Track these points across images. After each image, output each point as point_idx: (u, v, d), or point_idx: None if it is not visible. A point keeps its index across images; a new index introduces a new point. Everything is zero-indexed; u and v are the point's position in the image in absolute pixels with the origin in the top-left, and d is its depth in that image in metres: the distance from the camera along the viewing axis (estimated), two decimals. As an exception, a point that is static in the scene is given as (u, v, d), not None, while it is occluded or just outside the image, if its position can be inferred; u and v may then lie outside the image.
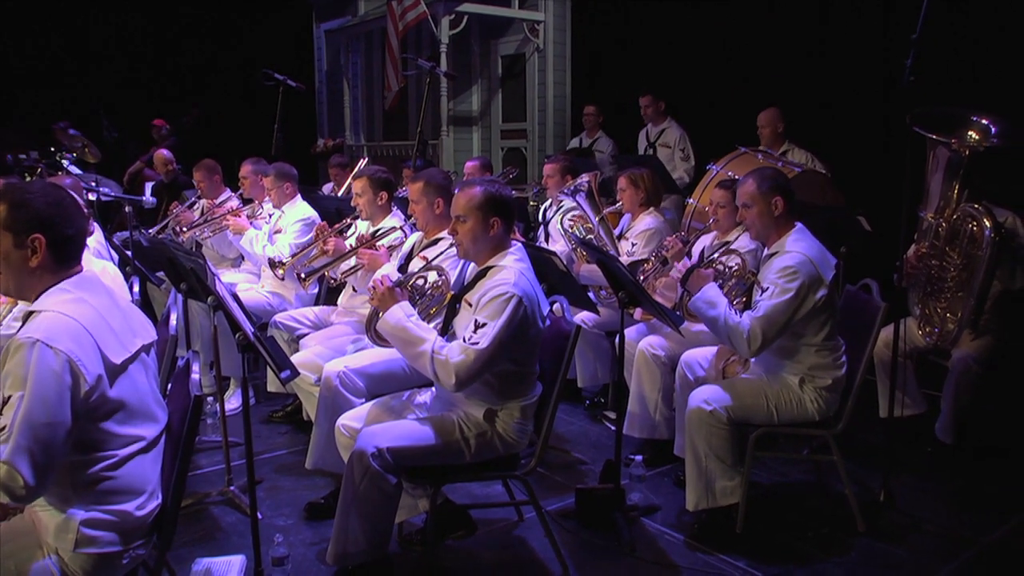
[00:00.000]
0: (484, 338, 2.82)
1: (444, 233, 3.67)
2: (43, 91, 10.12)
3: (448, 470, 3.02)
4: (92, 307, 2.16)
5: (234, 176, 5.73)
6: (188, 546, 3.33)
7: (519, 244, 3.16)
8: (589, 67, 8.80)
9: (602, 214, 4.95)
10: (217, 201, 5.72)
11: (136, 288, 4.09)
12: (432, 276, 3.45)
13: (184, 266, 3.57)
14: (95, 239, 4.21)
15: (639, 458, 4.02)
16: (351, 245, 4.21)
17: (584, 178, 5.03)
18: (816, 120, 6.33)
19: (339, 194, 6.84)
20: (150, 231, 5.36)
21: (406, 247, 4.10)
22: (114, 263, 4.06)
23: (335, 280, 4.26)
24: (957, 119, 4.01)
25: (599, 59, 8.63)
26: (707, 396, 3.36)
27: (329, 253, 4.21)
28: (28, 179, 6.75)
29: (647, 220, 4.90)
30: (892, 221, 3.70)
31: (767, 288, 3.27)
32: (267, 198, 5.36)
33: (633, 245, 4.84)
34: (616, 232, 5.06)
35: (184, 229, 5.41)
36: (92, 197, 5.60)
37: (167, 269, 4.12)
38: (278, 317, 4.58)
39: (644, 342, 4.20)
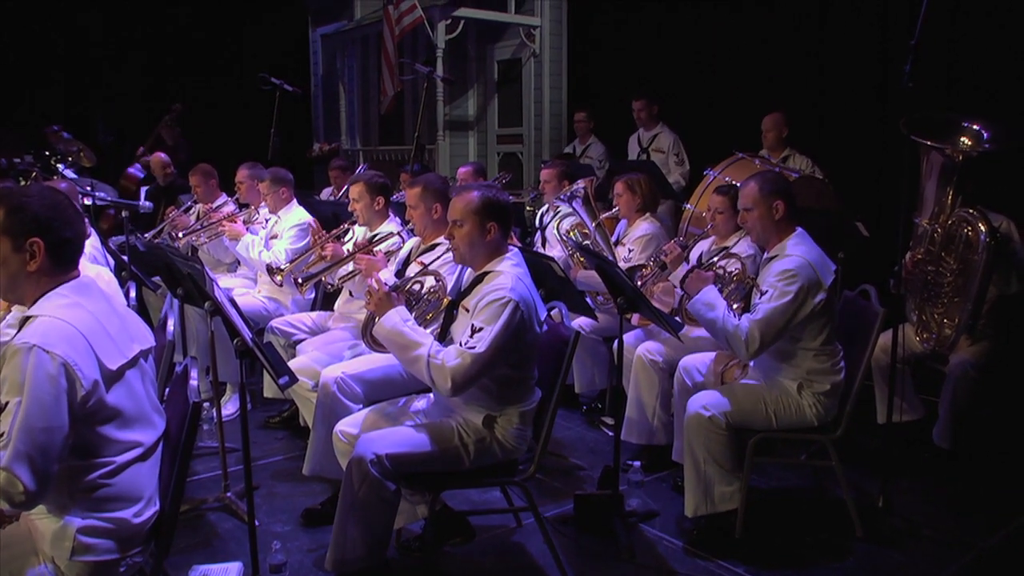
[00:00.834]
0: (481, 343, 2.81)
1: (441, 238, 3.66)
2: (37, 94, 10.09)
3: (447, 476, 3.00)
4: (89, 312, 2.15)
5: (230, 180, 5.72)
6: (184, 553, 3.30)
7: (516, 249, 3.16)
8: (585, 72, 8.81)
9: (598, 220, 4.95)
10: (213, 206, 5.71)
11: (132, 293, 4.07)
12: (429, 281, 3.44)
13: (181, 271, 3.56)
14: (91, 244, 4.18)
15: (637, 464, 4.01)
16: (348, 250, 4.20)
17: (580, 184, 5.02)
18: (813, 125, 6.34)
19: (338, 197, 6.84)
20: (146, 236, 5.34)
21: (403, 252, 4.10)
22: (110, 268, 4.04)
23: (332, 285, 4.25)
24: (950, 125, 4.02)
25: (595, 64, 8.64)
26: (706, 402, 3.35)
27: (327, 258, 4.20)
28: (23, 183, 6.73)
29: (644, 226, 4.90)
30: (890, 227, 3.71)
31: (766, 291, 3.28)
32: (263, 203, 5.35)
33: (630, 251, 4.84)
34: (613, 238, 5.06)
35: (180, 234, 5.39)
36: (87, 202, 5.59)
37: (163, 274, 4.11)
38: (274, 322, 4.57)
39: (642, 347, 4.19)
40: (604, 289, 4.40)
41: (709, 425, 3.30)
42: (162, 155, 7.88)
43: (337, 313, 4.51)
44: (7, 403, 1.96)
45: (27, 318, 2.12)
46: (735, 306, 3.50)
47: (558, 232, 5.16)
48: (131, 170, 8.65)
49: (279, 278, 4.17)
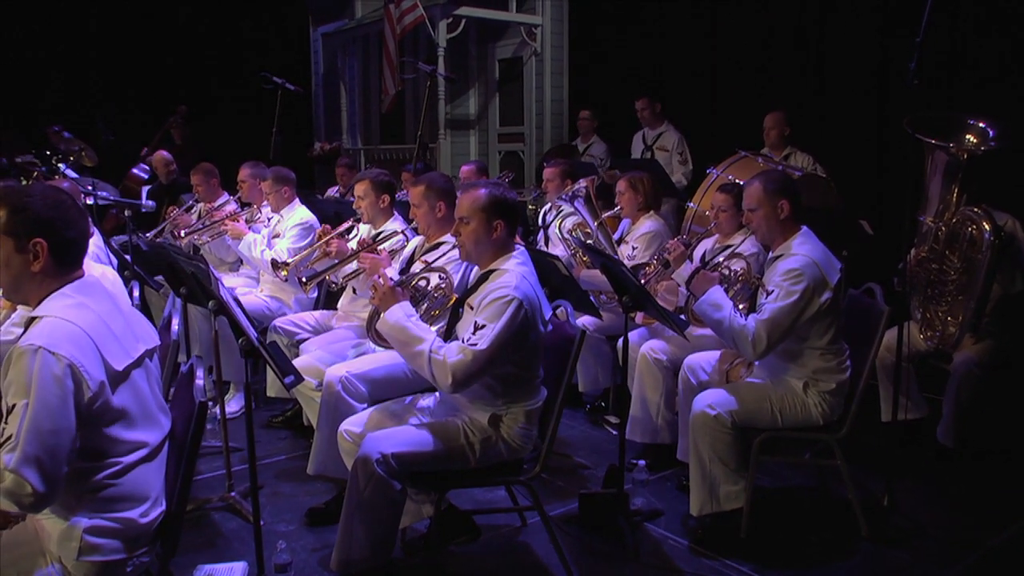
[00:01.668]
0: (483, 340, 2.81)
1: (446, 237, 3.66)
2: (38, 94, 10.08)
3: (453, 475, 3.00)
4: (94, 312, 2.14)
5: (231, 180, 5.71)
6: (189, 553, 3.29)
7: (522, 247, 3.15)
8: (586, 71, 8.81)
9: (600, 219, 4.94)
10: (215, 205, 5.70)
11: (136, 293, 4.06)
12: (435, 279, 3.44)
13: (185, 270, 3.56)
14: (94, 243, 4.18)
15: (642, 463, 4.00)
16: (352, 248, 4.19)
17: (581, 183, 5.01)
18: (815, 123, 6.33)
19: (345, 195, 6.84)
20: (148, 235, 5.33)
21: (407, 251, 4.09)
22: (113, 267, 4.03)
23: (336, 284, 4.24)
24: (955, 123, 4.01)
25: (596, 63, 8.64)
26: (711, 400, 3.35)
27: (332, 255, 4.19)
28: (24, 182, 6.73)
29: (647, 224, 4.89)
30: (894, 225, 3.70)
31: (772, 291, 3.27)
32: (265, 202, 5.34)
33: (633, 249, 4.83)
34: (615, 236, 5.05)
35: (182, 233, 5.38)
36: (89, 201, 5.58)
37: (166, 273, 4.10)
38: (278, 321, 4.56)
39: (646, 346, 4.19)
40: (607, 288, 4.40)
41: (715, 424, 3.30)
42: (165, 153, 7.87)
43: (340, 312, 4.50)
44: (14, 405, 1.96)
45: (32, 319, 2.11)
46: (740, 306, 3.50)
47: (560, 231, 5.16)
48: (135, 170, 8.64)
49: (284, 272, 4.16)
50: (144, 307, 5.04)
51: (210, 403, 4.38)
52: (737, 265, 3.74)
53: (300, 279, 4.09)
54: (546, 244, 5.47)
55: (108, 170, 8.54)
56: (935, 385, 4.34)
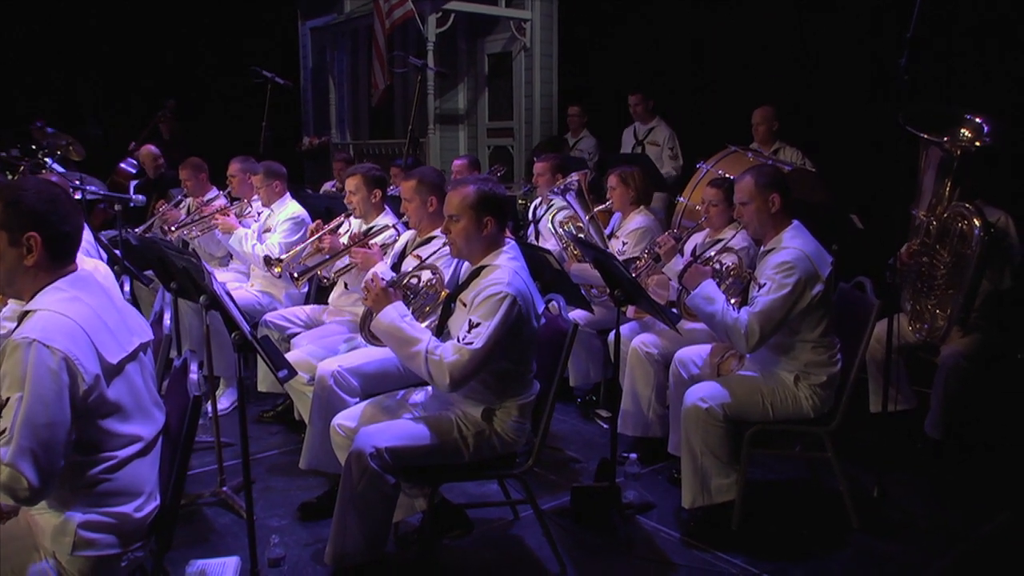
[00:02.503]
0: (478, 338, 2.82)
1: (437, 231, 3.66)
2: (24, 89, 9.99)
3: (446, 469, 3.01)
4: (88, 306, 2.13)
5: (220, 175, 5.68)
6: (182, 548, 3.28)
7: (513, 242, 3.15)
8: (576, 66, 8.81)
9: (592, 213, 4.95)
10: (204, 200, 5.67)
11: (127, 288, 4.05)
12: (426, 275, 3.44)
13: (176, 265, 3.54)
14: (84, 238, 4.16)
15: (634, 456, 4.02)
16: (344, 244, 4.18)
17: (574, 177, 5.02)
18: (804, 118, 6.35)
19: (341, 190, 6.82)
20: (137, 230, 5.30)
21: (399, 245, 4.08)
22: (103, 262, 4.01)
23: (328, 279, 4.23)
24: (950, 118, 4.04)
25: (586, 58, 8.64)
26: (703, 394, 3.36)
27: (324, 250, 4.18)
28: (11, 177, 6.67)
29: (638, 219, 4.90)
30: (884, 219, 3.72)
31: (764, 284, 3.29)
32: (255, 196, 5.32)
33: (624, 244, 4.84)
34: (606, 231, 5.06)
35: (172, 228, 5.36)
36: (78, 196, 5.54)
37: (157, 268, 4.09)
38: (269, 316, 4.55)
39: (637, 340, 4.20)
40: (598, 281, 4.41)
41: (706, 417, 3.31)
42: (152, 147, 7.81)
43: (332, 306, 4.50)
44: (8, 399, 1.95)
45: (26, 313, 2.10)
46: (732, 300, 3.51)
47: (552, 225, 5.16)
48: (123, 165, 8.58)
49: (277, 269, 4.15)
50: (134, 302, 5.02)
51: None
52: (728, 259, 3.76)
53: (291, 274, 4.08)
54: (536, 239, 5.47)
55: (95, 165, 8.47)
56: (923, 378, 4.37)
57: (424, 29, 8.45)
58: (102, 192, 5.99)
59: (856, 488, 3.66)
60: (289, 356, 3.88)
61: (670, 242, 4.11)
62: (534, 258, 3.70)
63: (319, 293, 5.21)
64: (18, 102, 9.72)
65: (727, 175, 4.76)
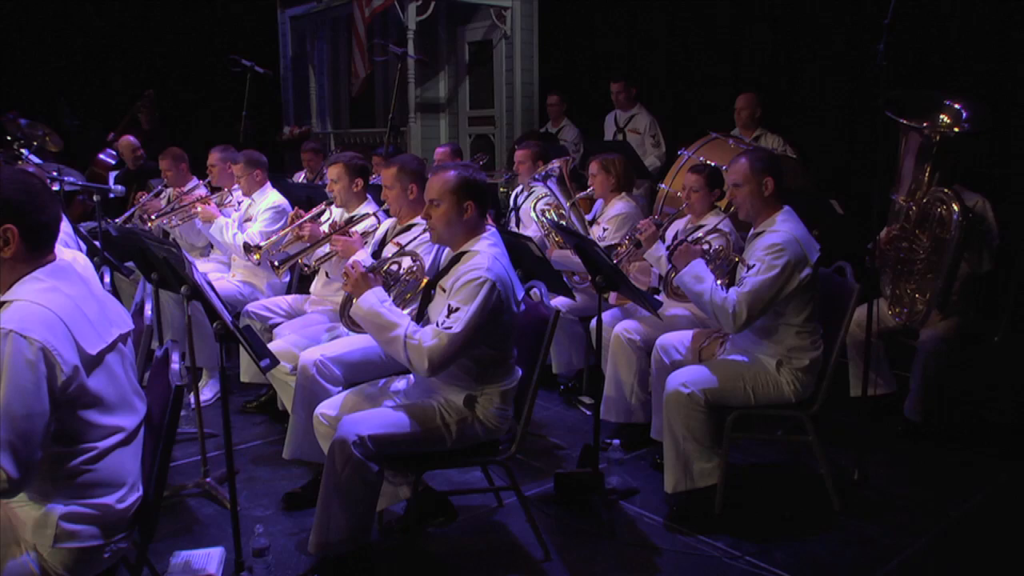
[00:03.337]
0: (457, 323, 2.82)
1: (418, 219, 3.65)
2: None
3: (429, 457, 3.01)
4: (67, 296, 2.11)
5: (200, 164, 5.64)
6: (166, 539, 3.28)
7: (493, 229, 3.15)
8: (557, 54, 8.79)
9: (573, 199, 4.95)
10: (184, 190, 5.63)
11: (107, 279, 4.02)
12: (406, 262, 3.43)
13: (157, 255, 3.52)
14: (62, 229, 4.11)
15: (616, 442, 4.03)
16: (324, 231, 4.17)
17: (555, 164, 5.02)
18: (785, 105, 6.38)
19: (311, 180, 6.77)
20: (116, 220, 5.26)
21: (379, 233, 4.08)
22: (82, 252, 3.97)
23: (309, 267, 4.22)
24: (930, 103, 4.06)
25: (567, 45, 8.62)
26: (685, 379, 3.38)
27: (304, 239, 4.17)
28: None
29: (619, 205, 4.91)
30: (865, 204, 3.75)
31: (753, 265, 3.31)
32: (236, 186, 5.29)
33: (604, 230, 4.85)
34: (588, 217, 5.07)
35: (152, 217, 5.31)
36: (55, 187, 5.49)
37: (137, 259, 4.05)
38: (250, 306, 4.53)
39: (619, 326, 4.21)
40: (579, 268, 4.42)
41: (688, 402, 3.33)
42: (131, 138, 7.73)
43: (314, 296, 4.48)
44: (-14, 390, 1.93)
45: (2, 304, 2.07)
46: (719, 282, 3.53)
47: (534, 212, 5.16)
48: (101, 156, 8.47)
49: (257, 256, 4.13)
50: (114, 293, 4.97)
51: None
52: (717, 242, 3.77)
53: (272, 263, 4.06)
54: (517, 226, 5.47)
55: (73, 156, 8.37)
56: (903, 362, 4.41)
57: (404, 17, 8.41)
58: (80, 183, 5.93)
59: (837, 471, 3.69)
60: (271, 346, 3.87)
61: (651, 228, 4.11)
62: (515, 245, 3.70)
63: (301, 283, 5.19)
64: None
65: (708, 161, 4.78)
